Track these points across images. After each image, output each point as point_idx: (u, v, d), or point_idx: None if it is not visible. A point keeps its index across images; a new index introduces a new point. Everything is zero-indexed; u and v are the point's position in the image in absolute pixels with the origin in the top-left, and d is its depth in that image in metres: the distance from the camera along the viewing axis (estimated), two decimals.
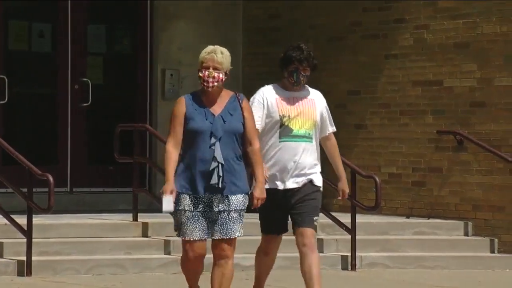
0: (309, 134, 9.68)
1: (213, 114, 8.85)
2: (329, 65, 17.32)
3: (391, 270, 15.11)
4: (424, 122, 16.77)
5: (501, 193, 15.66)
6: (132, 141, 16.87)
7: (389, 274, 14.89)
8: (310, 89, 9.92)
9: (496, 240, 16.16)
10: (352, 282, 14.07)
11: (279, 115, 9.61)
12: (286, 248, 14.21)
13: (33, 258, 13.66)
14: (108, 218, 16.18)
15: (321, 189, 9.89)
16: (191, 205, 8.79)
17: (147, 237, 15.48)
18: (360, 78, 15.47)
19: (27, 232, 13.59)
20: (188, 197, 8.79)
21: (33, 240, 13.65)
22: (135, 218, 15.80)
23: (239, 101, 8.99)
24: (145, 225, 15.62)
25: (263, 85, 17.80)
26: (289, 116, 9.61)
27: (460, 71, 16.20)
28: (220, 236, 8.81)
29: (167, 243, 15.20)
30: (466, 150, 16.20)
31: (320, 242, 15.48)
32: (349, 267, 14.97)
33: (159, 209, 15.41)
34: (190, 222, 8.81)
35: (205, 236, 8.86)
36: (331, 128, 9.97)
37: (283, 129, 9.62)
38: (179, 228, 8.93)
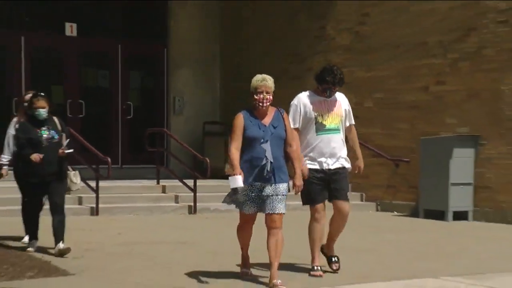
0: (337, 127, 8.59)
1: (264, 125, 7.96)
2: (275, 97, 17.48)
3: None
4: None
5: (367, 168, 15.57)
6: (156, 139, 17.62)
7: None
8: (336, 93, 8.72)
9: (364, 194, 16.58)
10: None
11: (314, 115, 8.54)
12: None
13: (100, 205, 14.07)
14: (142, 182, 16.32)
15: (348, 170, 8.74)
16: (247, 190, 7.90)
17: (165, 193, 15.78)
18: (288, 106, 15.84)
19: (96, 190, 14.00)
20: (247, 184, 7.87)
21: (100, 195, 14.06)
22: (158, 182, 16.10)
23: (281, 114, 8.06)
24: (164, 187, 15.94)
25: (235, 108, 18.49)
26: (321, 115, 8.55)
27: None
28: (269, 212, 7.89)
29: (176, 197, 15.46)
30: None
31: None
32: None
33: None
34: (247, 202, 7.94)
35: (257, 211, 8.04)
36: (352, 120, 8.85)
37: (318, 125, 8.55)
38: (239, 205, 8.05)
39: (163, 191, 15.87)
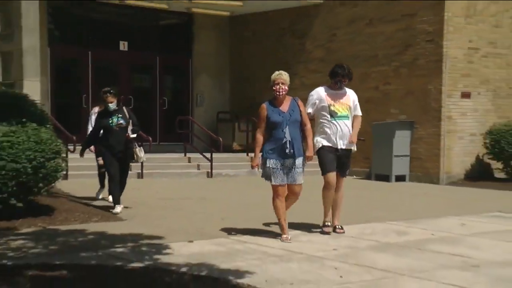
0: (347, 115, 7.84)
1: (283, 112, 7.35)
2: (269, 94, 17.73)
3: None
4: None
5: None
6: (184, 124, 17.36)
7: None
8: (346, 88, 7.99)
9: None
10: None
11: (328, 104, 7.78)
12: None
13: (144, 171, 13.89)
14: (174, 155, 16.07)
15: (353, 151, 7.98)
16: (274, 164, 7.34)
17: (190, 163, 15.55)
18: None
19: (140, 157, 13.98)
20: (272, 160, 7.35)
21: (144, 164, 13.11)
22: (185, 155, 15.89)
23: (296, 102, 7.45)
24: (189, 158, 15.69)
25: (240, 102, 18.40)
26: (334, 104, 7.80)
27: None
28: (291, 182, 7.40)
29: (198, 165, 15.27)
30: None
31: None
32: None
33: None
34: (275, 173, 7.36)
35: (285, 182, 7.42)
36: (358, 112, 8.00)
37: (332, 112, 7.79)
38: (268, 177, 7.45)
39: (189, 161, 15.70)
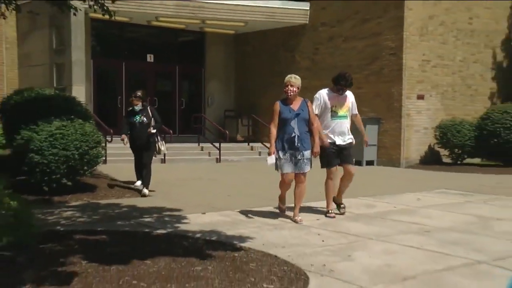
0: (346, 115, 7.24)
1: (294, 110, 6.75)
2: (266, 97, 17.77)
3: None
4: None
5: None
6: (198, 120, 17.28)
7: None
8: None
9: None
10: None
11: (330, 105, 7.15)
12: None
13: (166, 157, 13.05)
14: (190, 145, 15.64)
15: (353, 144, 7.40)
16: (284, 155, 6.77)
17: (202, 151, 15.22)
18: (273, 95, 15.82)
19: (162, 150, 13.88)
20: (282, 152, 6.77)
21: (167, 152, 13.76)
22: (198, 145, 15.60)
23: (306, 103, 6.82)
24: (202, 147, 15.36)
25: (242, 103, 18.29)
26: (335, 106, 7.17)
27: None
28: (298, 171, 6.81)
29: (210, 153, 14.92)
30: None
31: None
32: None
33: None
34: (285, 164, 6.78)
35: (293, 171, 6.82)
36: (356, 111, 7.43)
37: (333, 113, 7.17)
38: (278, 167, 6.88)
39: (201, 149, 15.47)
